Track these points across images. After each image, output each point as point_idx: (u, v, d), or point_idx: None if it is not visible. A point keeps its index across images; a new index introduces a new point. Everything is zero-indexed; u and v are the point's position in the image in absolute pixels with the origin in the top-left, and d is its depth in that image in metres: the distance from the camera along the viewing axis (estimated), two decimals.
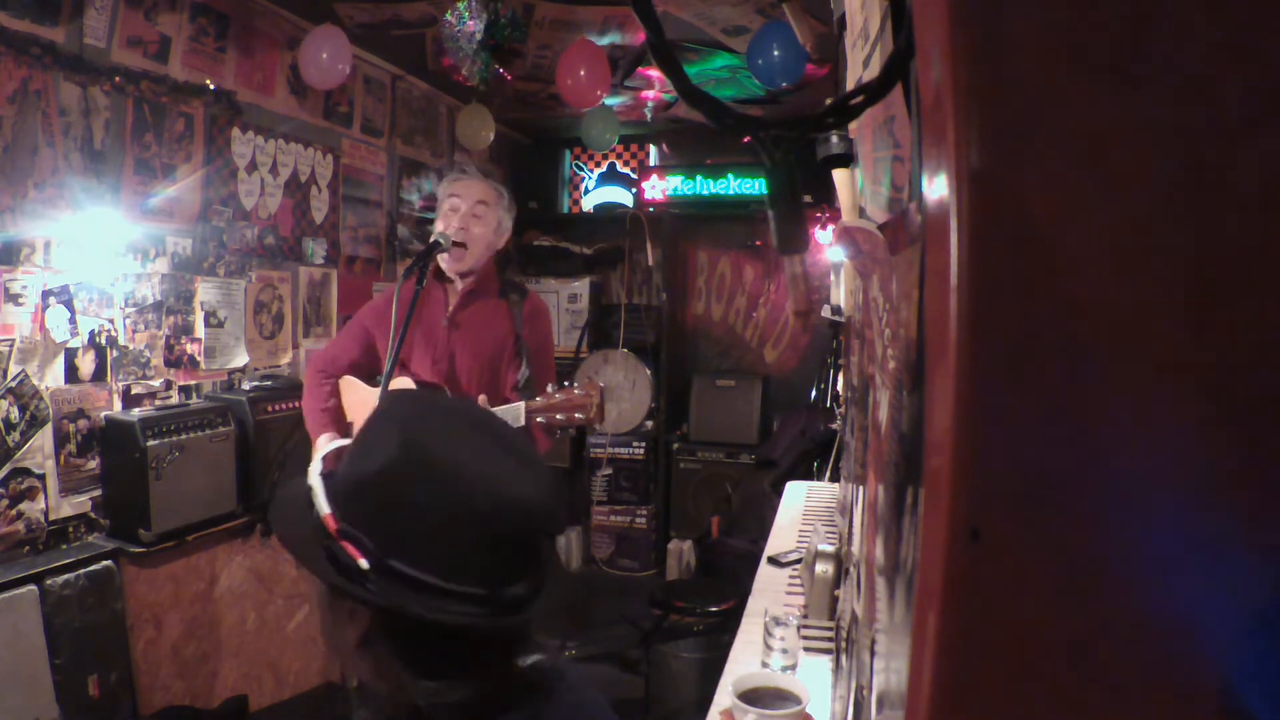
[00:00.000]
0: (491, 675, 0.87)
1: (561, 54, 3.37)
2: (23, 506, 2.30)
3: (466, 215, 2.22)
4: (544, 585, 0.90)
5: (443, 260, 2.23)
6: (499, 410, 1.95)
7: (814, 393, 4.59)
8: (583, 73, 3.27)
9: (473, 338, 2.25)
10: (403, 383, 2.18)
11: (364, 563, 0.81)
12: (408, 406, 0.92)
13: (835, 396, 4.02)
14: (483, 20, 2.86)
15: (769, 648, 1.54)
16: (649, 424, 4.85)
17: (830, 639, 1.69)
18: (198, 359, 2.91)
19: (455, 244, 2.20)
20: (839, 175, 1.45)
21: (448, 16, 2.92)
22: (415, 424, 0.86)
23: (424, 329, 2.27)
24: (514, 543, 0.85)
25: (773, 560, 2.29)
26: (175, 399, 2.81)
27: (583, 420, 1.87)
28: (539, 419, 1.91)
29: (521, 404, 1.93)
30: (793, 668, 1.53)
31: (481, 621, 0.82)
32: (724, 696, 1.41)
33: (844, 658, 1.32)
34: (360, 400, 2.26)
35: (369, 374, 2.32)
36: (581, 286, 5.01)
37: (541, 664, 0.93)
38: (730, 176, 4.89)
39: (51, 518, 2.38)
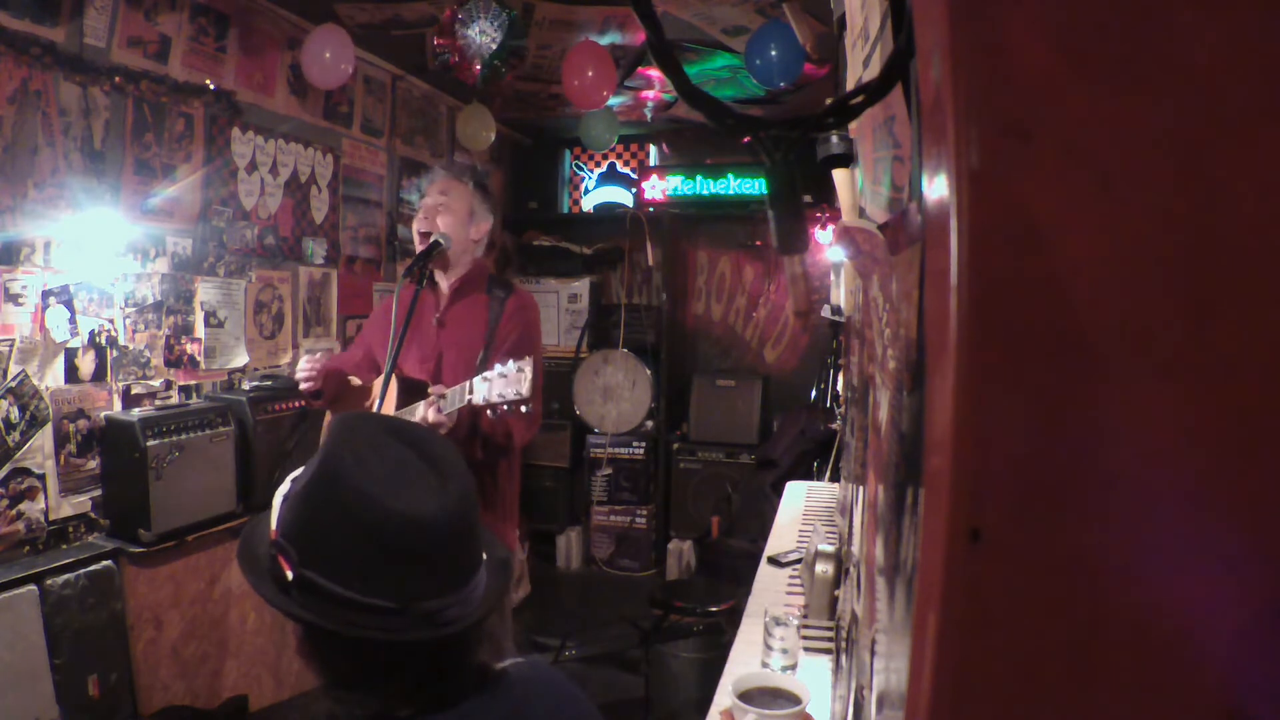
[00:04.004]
0: (413, 687, 0.90)
1: (565, 54, 3.37)
2: (23, 506, 2.30)
3: (430, 209, 2.24)
4: (471, 600, 0.91)
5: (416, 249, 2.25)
6: (451, 389, 1.96)
7: (814, 393, 4.59)
8: (590, 74, 3.27)
9: (458, 336, 2.26)
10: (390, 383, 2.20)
11: (290, 574, 0.86)
12: (341, 427, 0.95)
13: (835, 396, 4.02)
14: (503, 26, 2.85)
15: (769, 648, 1.54)
16: (649, 424, 4.85)
17: (830, 639, 1.69)
18: (198, 359, 2.91)
19: (419, 232, 2.22)
20: (839, 175, 1.45)
21: (459, 15, 2.91)
22: (339, 444, 0.90)
23: (416, 328, 2.28)
24: (424, 559, 0.87)
25: (773, 560, 2.29)
26: (175, 399, 2.81)
27: (517, 399, 1.83)
28: (478, 397, 1.87)
29: (468, 383, 1.92)
30: (793, 668, 1.53)
31: (394, 636, 0.85)
32: (724, 696, 1.41)
33: (844, 658, 1.32)
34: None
35: (374, 377, 2.35)
36: (581, 286, 5.01)
37: (483, 666, 0.95)
38: (730, 176, 4.89)
39: (51, 518, 2.38)
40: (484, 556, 0.97)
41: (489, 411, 1.92)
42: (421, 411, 1.98)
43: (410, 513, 0.85)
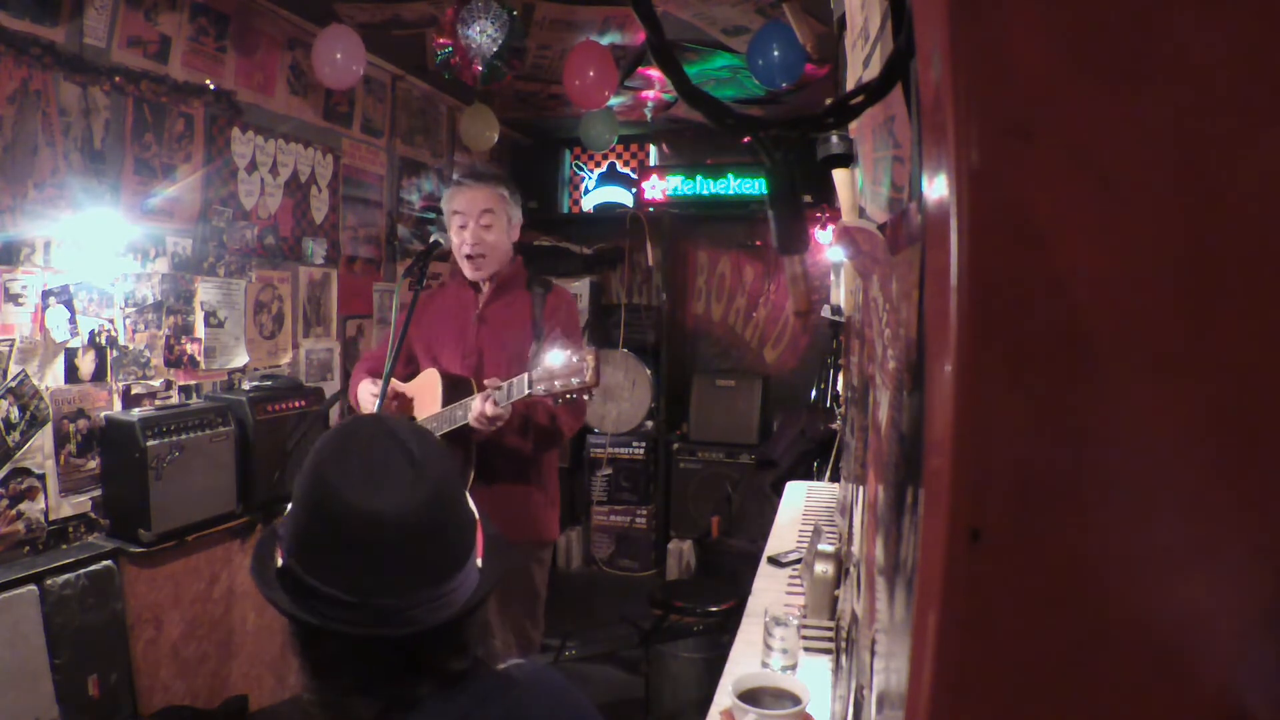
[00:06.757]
0: (369, 683, 0.90)
1: (565, 54, 3.36)
2: (23, 506, 2.30)
3: (476, 229, 2.25)
4: (445, 603, 0.91)
5: (465, 269, 2.28)
6: (507, 382, 1.99)
7: (814, 393, 4.59)
8: (591, 73, 3.27)
9: (499, 332, 2.29)
10: (430, 376, 2.23)
11: (280, 562, 0.91)
12: (343, 426, 0.98)
13: (835, 396, 4.02)
14: (504, 26, 2.86)
15: (769, 648, 1.55)
16: (649, 424, 4.84)
17: (830, 639, 1.69)
18: (198, 359, 2.91)
19: (469, 256, 2.25)
20: (839, 175, 1.46)
21: (460, 15, 2.91)
22: (330, 441, 0.94)
23: (455, 325, 2.32)
24: (379, 554, 0.87)
25: (773, 560, 2.29)
26: (175, 399, 2.81)
27: (581, 386, 1.87)
28: (540, 388, 1.91)
29: (525, 375, 1.95)
30: (793, 668, 1.53)
31: (350, 629, 0.87)
32: (724, 696, 1.41)
33: (844, 658, 1.32)
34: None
35: (410, 373, 2.38)
36: (581, 286, 5.01)
37: (478, 667, 0.95)
38: (730, 176, 4.89)
39: (51, 518, 2.38)
40: (476, 562, 0.95)
41: (552, 400, 1.96)
42: (478, 405, 1.99)
43: (366, 508, 0.86)
